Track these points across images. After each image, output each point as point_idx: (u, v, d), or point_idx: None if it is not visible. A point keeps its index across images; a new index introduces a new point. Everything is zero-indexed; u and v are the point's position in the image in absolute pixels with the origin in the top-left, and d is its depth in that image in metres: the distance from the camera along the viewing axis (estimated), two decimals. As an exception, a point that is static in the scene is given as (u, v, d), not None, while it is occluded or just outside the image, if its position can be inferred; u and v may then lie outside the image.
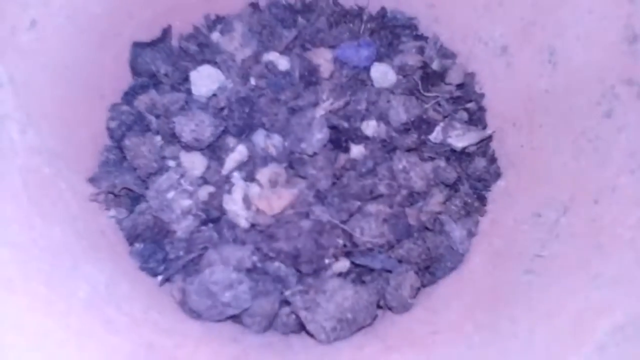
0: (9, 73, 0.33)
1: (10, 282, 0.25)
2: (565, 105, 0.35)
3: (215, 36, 0.46)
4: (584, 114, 0.33)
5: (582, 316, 0.25)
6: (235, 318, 0.37)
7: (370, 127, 0.40)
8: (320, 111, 0.40)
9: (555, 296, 0.28)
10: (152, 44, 0.44)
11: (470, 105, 0.42)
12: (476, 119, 0.42)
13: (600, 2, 0.33)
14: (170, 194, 0.39)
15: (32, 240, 0.29)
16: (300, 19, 0.46)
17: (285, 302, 0.36)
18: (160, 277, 0.38)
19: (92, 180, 0.39)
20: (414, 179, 0.39)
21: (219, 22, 0.47)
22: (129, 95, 0.44)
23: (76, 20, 0.38)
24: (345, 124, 0.40)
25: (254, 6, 0.47)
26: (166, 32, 0.45)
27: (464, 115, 0.42)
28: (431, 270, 0.38)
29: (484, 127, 0.42)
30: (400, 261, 0.38)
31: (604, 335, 0.23)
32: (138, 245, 0.39)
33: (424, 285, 0.38)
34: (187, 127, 0.40)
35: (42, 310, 0.26)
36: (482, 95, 0.42)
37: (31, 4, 0.35)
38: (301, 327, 0.36)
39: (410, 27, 0.45)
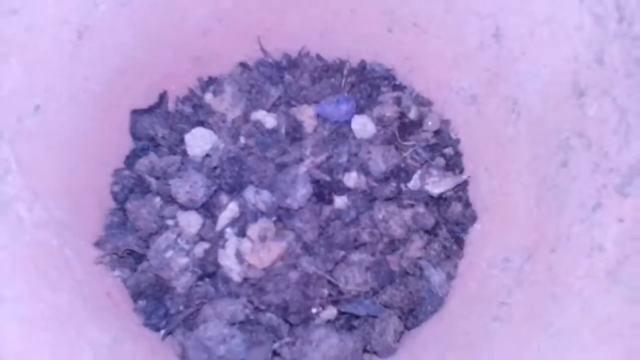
0: (17, 157, 0.37)
1: (18, 356, 0.29)
2: (529, 153, 0.37)
3: (208, 97, 0.49)
4: (544, 162, 0.35)
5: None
6: (232, 367, 0.40)
7: (351, 179, 0.43)
8: (303, 168, 0.43)
9: (514, 345, 0.30)
10: (149, 110, 0.48)
11: (447, 150, 0.44)
12: (453, 164, 0.44)
13: (552, 58, 0.35)
14: (169, 254, 0.42)
15: (40, 312, 0.32)
16: (286, 76, 0.49)
17: (276, 354, 0.39)
18: (162, 332, 0.42)
19: (98, 244, 0.43)
20: (393, 227, 0.41)
21: (211, 83, 0.50)
22: (130, 159, 0.47)
23: (77, 100, 0.42)
24: (328, 178, 0.43)
25: (244, 65, 0.50)
26: (162, 98, 0.49)
27: (441, 161, 0.44)
28: (414, 313, 0.40)
29: (462, 171, 0.44)
30: (384, 306, 0.40)
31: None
32: (141, 302, 0.42)
33: (408, 328, 0.40)
34: (182, 188, 0.43)
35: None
36: (457, 141, 0.44)
37: (36, 92, 0.38)
38: (292, 375, 0.39)
39: (388, 78, 0.48)
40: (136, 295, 0.42)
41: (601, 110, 0.31)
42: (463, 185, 0.42)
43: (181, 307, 0.41)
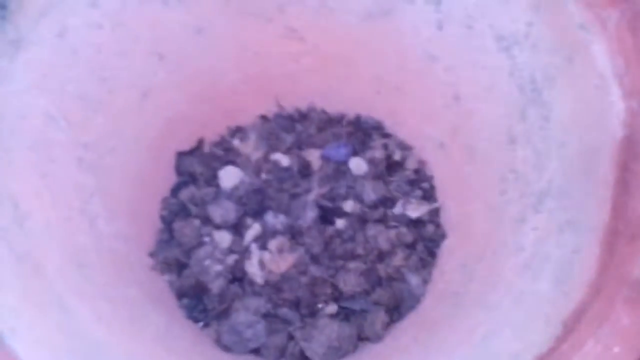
0: (98, 184, 0.49)
1: (109, 326, 0.40)
2: (480, 185, 0.49)
3: (235, 142, 0.62)
4: (490, 191, 0.47)
5: (471, 329, 0.38)
6: (256, 351, 0.51)
7: (348, 206, 0.55)
8: (311, 196, 0.55)
9: (466, 322, 0.41)
10: (190, 152, 0.61)
11: (423, 184, 0.57)
12: (428, 195, 0.56)
13: (494, 116, 0.48)
14: (207, 262, 0.54)
15: (121, 296, 0.44)
16: (298, 126, 0.62)
17: (292, 336, 0.50)
18: (201, 324, 0.53)
19: (152, 254, 0.55)
20: (381, 243, 0.53)
21: (238, 131, 0.63)
22: (175, 190, 0.60)
23: (140, 143, 0.54)
24: (330, 204, 0.55)
25: (264, 117, 0.63)
26: (200, 143, 0.62)
27: (419, 192, 0.56)
28: (398, 309, 0.52)
29: (435, 201, 0.56)
30: (374, 303, 0.52)
31: (478, 339, 0.36)
32: (185, 300, 0.53)
33: (393, 321, 0.51)
34: (218, 212, 0.55)
35: (127, 341, 0.40)
36: (431, 177, 0.57)
37: (112, 136, 0.51)
38: (303, 355, 0.50)
39: (378, 128, 0.60)
40: (180, 294, 0.54)
41: (525, 153, 0.44)
42: (435, 211, 0.55)
43: (216, 304, 0.53)
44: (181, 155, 0.60)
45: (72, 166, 0.46)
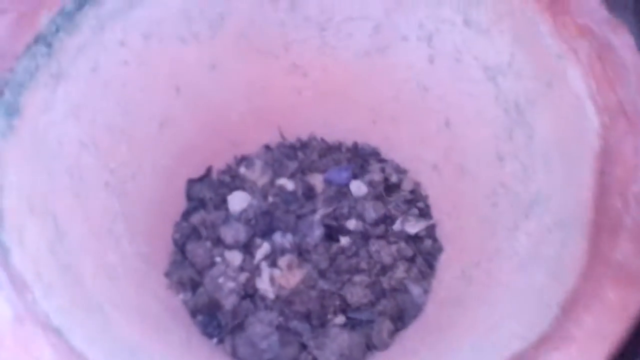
0: (122, 209, 0.53)
1: (142, 333, 0.43)
2: (472, 200, 0.54)
3: (242, 170, 0.66)
4: (482, 205, 0.52)
5: (474, 325, 0.42)
6: (270, 363, 0.53)
7: (352, 224, 0.59)
8: (317, 216, 0.59)
9: (470, 320, 0.45)
10: (200, 179, 0.64)
11: (419, 204, 0.62)
12: (424, 213, 0.61)
13: (482, 136, 0.53)
14: (221, 280, 0.57)
15: (144, 309, 0.47)
16: (299, 154, 0.67)
17: (303, 347, 0.53)
18: (215, 339, 0.56)
19: (167, 274, 0.58)
20: (384, 257, 0.57)
21: (243, 159, 0.67)
22: (186, 215, 0.63)
23: (156, 171, 0.58)
24: (335, 223, 0.59)
25: (267, 147, 0.68)
26: (209, 170, 0.66)
27: (416, 210, 0.61)
28: (401, 318, 0.55)
29: (430, 218, 0.61)
30: (379, 314, 0.55)
31: (483, 333, 0.40)
32: (200, 317, 0.56)
33: (397, 330, 0.55)
34: (229, 233, 0.59)
35: (158, 345, 0.43)
36: (426, 197, 0.61)
37: (133, 164, 0.55)
38: (315, 364, 0.53)
39: (374, 154, 0.65)
40: (194, 312, 0.56)
41: (513, 168, 0.49)
42: (432, 227, 0.59)
43: (229, 320, 0.56)
44: (191, 182, 0.63)
45: (101, 189, 0.49)
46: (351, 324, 0.55)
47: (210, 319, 0.56)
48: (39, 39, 0.41)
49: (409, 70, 0.58)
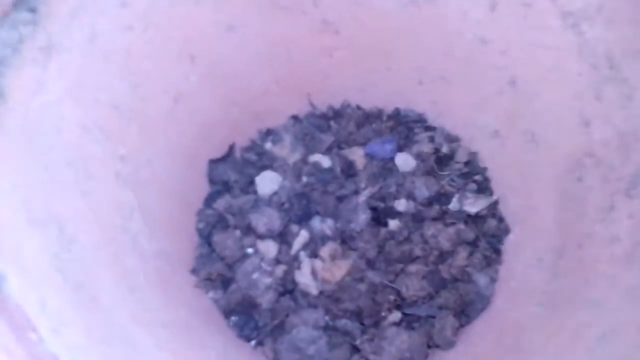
0: (137, 200, 0.45)
1: (173, 353, 0.36)
2: (549, 173, 0.46)
3: (268, 145, 0.58)
4: (563, 179, 0.44)
5: (577, 330, 0.35)
6: (316, 368, 0.47)
7: (401, 204, 0.52)
8: (362, 197, 0.51)
9: (558, 319, 0.38)
10: (222, 159, 0.57)
11: (477, 177, 0.54)
12: (483, 187, 0.53)
13: (561, 98, 0.44)
14: (255, 275, 0.50)
15: (174, 320, 0.40)
16: (333, 124, 0.59)
17: (355, 349, 0.47)
18: (253, 342, 0.49)
19: (193, 271, 0.50)
20: (441, 241, 0.49)
21: (269, 134, 0.60)
22: (209, 201, 0.56)
23: (173, 153, 0.50)
24: (382, 205, 0.51)
25: (295, 118, 0.60)
26: (232, 148, 0.58)
27: (473, 186, 0.53)
28: (466, 312, 0.48)
29: (491, 194, 0.53)
30: (440, 308, 0.48)
31: (592, 342, 0.33)
32: (234, 318, 0.49)
33: (462, 326, 0.48)
34: (261, 221, 0.51)
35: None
36: (485, 169, 0.53)
37: (146, 148, 0.47)
38: (370, 369, 0.46)
39: (420, 121, 0.57)
40: (227, 312, 0.50)
41: (604, 135, 0.41)
42: (494, 204, 0.51)
43: (268, 320, 0.49)
44: (213, 162, 0.56)
45: (111, 182, 0.42)
46: (408, 321, 0.48)
47: (246, 319, 0.49)
48: (19, 3, 0.32)
49: (463, 21, 0.49)
